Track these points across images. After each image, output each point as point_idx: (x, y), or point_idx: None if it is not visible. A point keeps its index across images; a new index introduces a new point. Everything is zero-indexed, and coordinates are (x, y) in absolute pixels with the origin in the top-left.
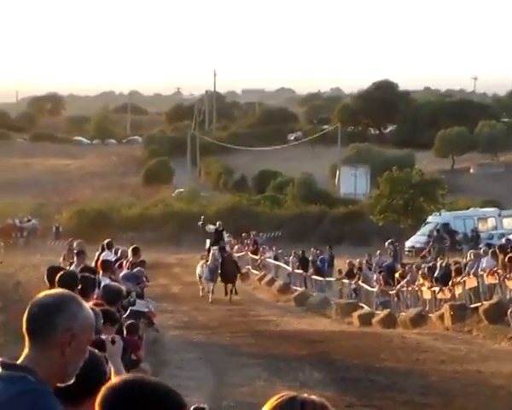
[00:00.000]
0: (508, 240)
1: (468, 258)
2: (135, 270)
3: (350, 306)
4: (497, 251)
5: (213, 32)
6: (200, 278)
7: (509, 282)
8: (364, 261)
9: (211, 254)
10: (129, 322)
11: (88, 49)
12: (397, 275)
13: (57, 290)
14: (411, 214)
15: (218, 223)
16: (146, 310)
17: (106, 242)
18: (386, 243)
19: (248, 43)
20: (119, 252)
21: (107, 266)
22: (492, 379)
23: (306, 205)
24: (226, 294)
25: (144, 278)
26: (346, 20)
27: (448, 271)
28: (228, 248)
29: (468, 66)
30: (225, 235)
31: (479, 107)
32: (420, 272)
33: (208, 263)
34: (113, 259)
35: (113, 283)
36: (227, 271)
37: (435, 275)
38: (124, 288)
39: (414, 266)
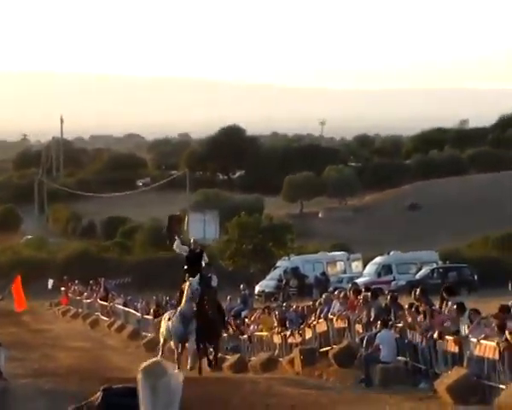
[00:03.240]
0: (354, 284)
1: (319, 302)
2: None
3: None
4: (351, 293)
5: (59, 78)
6: (165, 341)
7: (358, 325)
8: None
9: (186, 289)
10: None
11: None
12: (247, 320)
13: None
14: (261, 259)
15: (192, 240)
16: None
17: None
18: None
19: (94, 89)
20: None
21: None
22: None
23: (156, 251)
24: (201, 360)
25: None
26: (181, 64)
27: (298, 315)
28: (214, 284)
29: (316, 110)
30: (205, 257)
31: (326, 151)
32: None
33: (181, 307)
34: None
35: None
36: (207, 321)
37: (286, 319)
38: None
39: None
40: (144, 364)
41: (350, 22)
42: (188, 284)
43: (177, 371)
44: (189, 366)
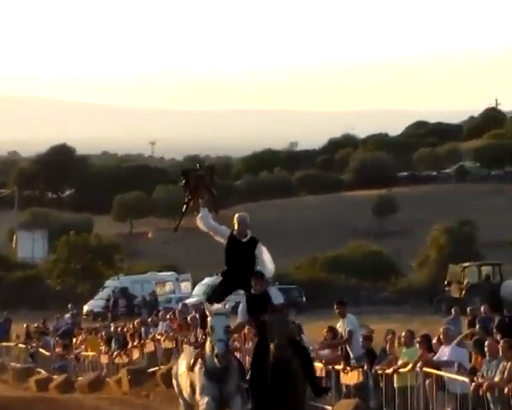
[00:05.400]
0: (184, 305)
1: (148, 321)
2: None
3: (27, 371)
4: (179, 314)
5: None
6: (184, 399)
7: (185, 346)
8: (41, 325)
9: (209, 324)
10: None
11: None
12: (74, 339)
13: None
14: (89, 279)
15: (236, 218)
16: None
17: None
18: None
19: None
20: None
21: None
22: None
23: None
24: None
25: None
26: (9, 81)
27: (125, 335)
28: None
29: (146, 130)
30: (263, 255)
31: (156, 171)
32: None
33: (206, 352)
34: None
35: None
36: (277, 373)
37: (112, 339)
38: None
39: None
40: None
41: (181, 46)
42: (210, 317)
43: None
44: None
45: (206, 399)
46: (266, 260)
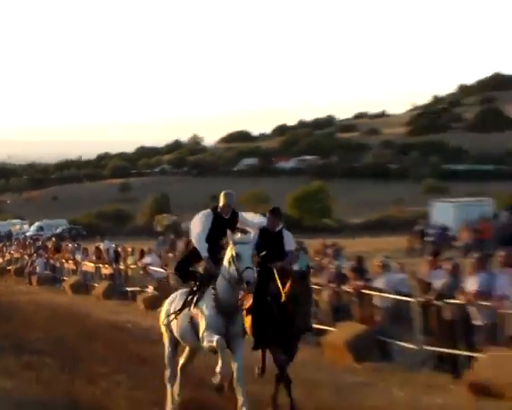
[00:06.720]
0: (24, 236)
1: (7, 244)
2: None
3: None
4: None
5: None
6: (170, 342)
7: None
8: None
9: (229, 253)
10: None
11: None
12: None
13: None
14: None
15: (223, 196)
16: None
17: None
18: None
19: None
20: None
21: None
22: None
23: None
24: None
25: None
26: None
27: None
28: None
29: None
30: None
31: None
32: None
33: (217, 286)
34: None
35: None
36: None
37: None
38: None
39: None
40: None
41: None
42: (232, 245)
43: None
44: (217, 379)
45: (216, 336)
46: (251, 218)
